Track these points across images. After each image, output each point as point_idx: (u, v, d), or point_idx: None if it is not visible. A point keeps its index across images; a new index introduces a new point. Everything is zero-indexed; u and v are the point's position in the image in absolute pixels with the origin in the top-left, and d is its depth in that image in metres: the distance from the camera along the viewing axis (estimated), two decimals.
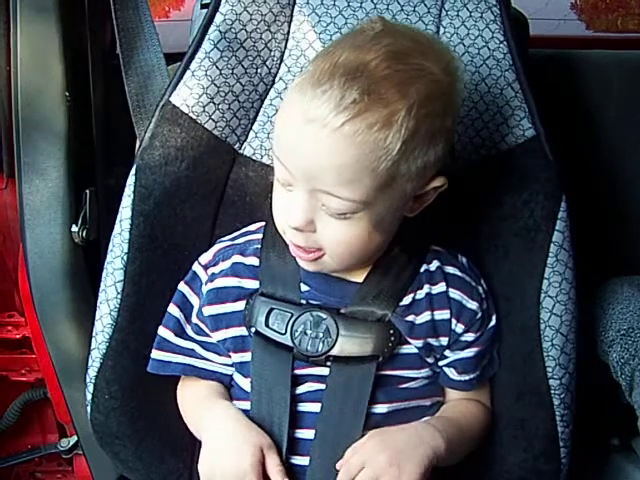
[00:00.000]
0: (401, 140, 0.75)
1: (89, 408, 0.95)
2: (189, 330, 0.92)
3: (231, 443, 0.83)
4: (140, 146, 0.96)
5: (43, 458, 1.44)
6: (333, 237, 0.80)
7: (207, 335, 0.91)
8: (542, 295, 0.92)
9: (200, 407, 0.90)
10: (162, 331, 0.92)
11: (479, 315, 0.90)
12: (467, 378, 0.91)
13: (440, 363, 0.90)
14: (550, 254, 0.92)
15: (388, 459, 0.80)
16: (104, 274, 0.95)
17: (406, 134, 0.75)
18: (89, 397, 0.95)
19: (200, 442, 0.96)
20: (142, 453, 0.96)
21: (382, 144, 0.75)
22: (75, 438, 1.27)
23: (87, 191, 1.06)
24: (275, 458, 0.82)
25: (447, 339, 0.89)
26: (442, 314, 0.88)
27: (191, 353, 0.92)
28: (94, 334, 0.95)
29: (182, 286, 0.93)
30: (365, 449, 0.82)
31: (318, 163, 0.76)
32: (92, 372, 0.95)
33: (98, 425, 0.95)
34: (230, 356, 0.90)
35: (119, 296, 0.93)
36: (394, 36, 0.80)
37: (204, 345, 0.91)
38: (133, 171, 0.95)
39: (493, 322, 0.92)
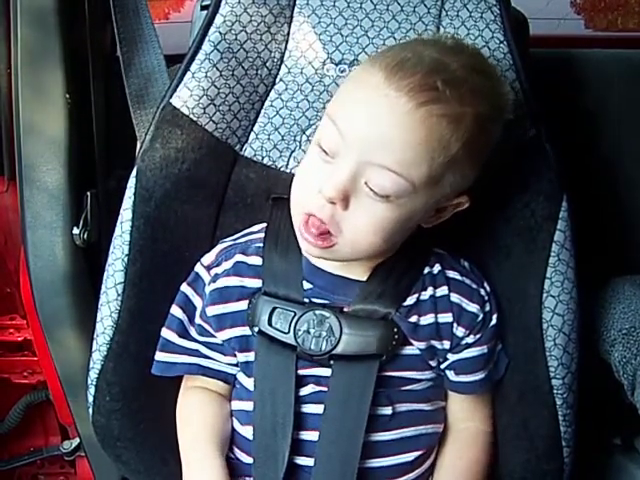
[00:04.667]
0: (461, 142, 0.78)
1: (91, 410, 0.95)
2: (193, 331, 0.92)
3: None
4: (141, 148, 0.96)
5: (45, 460, 1.44)
6: (363, 221, 0.79)
7: (212, 335, 0.90)
8: (544, 295, 0.92)
9: (193, 451, 0.89)
10: (165, 333, 0.92)
11: (480, 317, 0.90)
12: (467, 380, 0.91)
13: (442, 366, 0.90)
14: (552, 254, 0.92)
15: None
16: (105, 276, 0.95)
17: (466, 139, 0.78)
18: (90, 399, 0.95)
19: None
20: (144, 455, 0.96)
21: (446, 138, 0.77)
22: (77, 440, 1.27)
23: (88, 193, 1.06)
24: None
25: (449, 343, 0.89)
26: (445, 317, 0.88)
27: (196, 353, 0.92)
28: (95, 336, 0.95)
29: (184, 287, 0.93)
30: None
31: (384, 136, 0.77)
32: (93, 374, 0.95)
33: (99, 427, 0.96)
34: (235, 355, 0.90)
35: (120, 298, 0.93)
36: (468, 54, 0.84)
37: (209, 345, 0.91)
38: (134, 173, 0.95)
39: (494, 322, 0.91)
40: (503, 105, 0.85)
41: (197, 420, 0.91)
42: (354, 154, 0.77)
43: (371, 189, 0.78)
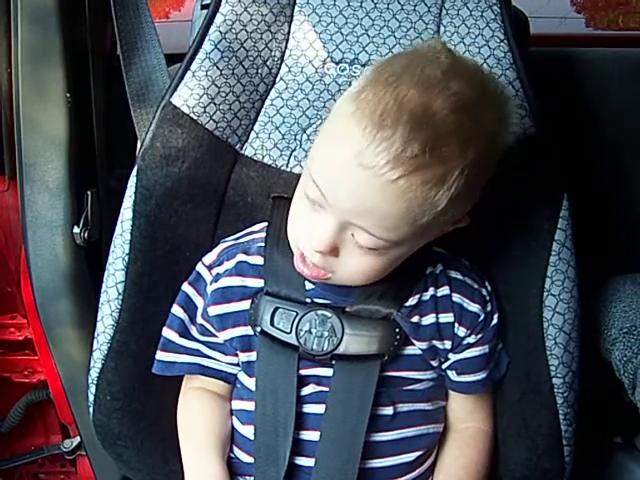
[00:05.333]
0: (448, 197, 0.75)
1: (91, 409, 0.96)
2: (194, 331, 0.92)
3: None
4: (141, 147, 0.96)
5: (46, 459, 1.44)
6: (354, 265, 0.80)
7: (213, 335, 0.90)
8: (545, 294, 0.92)
9: (193, 452, 0.89)
10: (166, 332, 0.92)
11: (481, 317, 0.89)
12: (468, 380, 0.91)
13: (443, 366, 0.90)
14: (552, 252, 0.92)
15: None
16: (105, 275, 0.95)
17: (454, 192, 0.75)
18: (91, 398, 0.95)
19: None
20: (144, 454, 0.96)
21: (431, 200, 0.75)
22: (78, 439, 1.27)
23: (88, 192, 1.07)
24: None
25: (451, 343, 0.89)
26: (446, 317, 0.88)
27: (196, 353, 0.92)
28: (96, 335, 0.95)
29: (186, 287, 0.93)
30: None
31: (363, 205, 0.74)
32: (94, 373, 0.95)
33: (100, 426, 0.96)
34: (237, 355, 0.90)
35: (120, 297, 0.93)
36: (463, 80, 0.76)
37: (209, 345, 0.91)
38: (134, 172, 0.95)
39: (495, 321, 0.91)
40: (501, 132, 0.80)
41: (197, 421, 0.91)
42: (337, 213, 0.77)
43: (357, 242, 0.78)
